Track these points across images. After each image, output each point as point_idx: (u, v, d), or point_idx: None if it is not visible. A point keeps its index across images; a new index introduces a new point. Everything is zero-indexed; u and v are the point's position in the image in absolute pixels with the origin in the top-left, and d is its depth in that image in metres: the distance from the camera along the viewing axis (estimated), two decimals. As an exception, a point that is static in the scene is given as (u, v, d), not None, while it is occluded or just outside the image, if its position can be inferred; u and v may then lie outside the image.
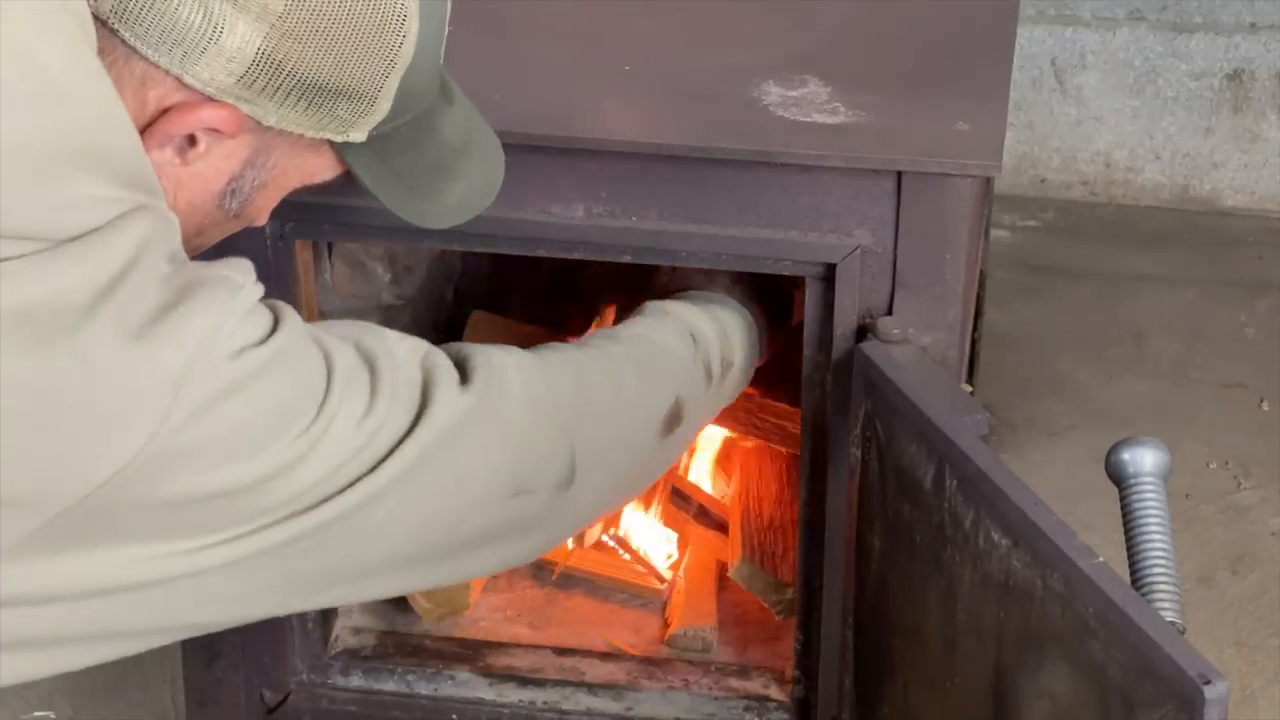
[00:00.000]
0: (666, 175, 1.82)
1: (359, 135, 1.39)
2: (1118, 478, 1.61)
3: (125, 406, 1.21)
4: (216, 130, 1.34)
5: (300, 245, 1.96)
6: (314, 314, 2.03)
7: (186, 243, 1.35)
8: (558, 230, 1.86)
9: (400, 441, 1.39)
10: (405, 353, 1.45)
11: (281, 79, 1.33)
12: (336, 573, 1.39)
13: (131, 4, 1.29)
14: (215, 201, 1.40)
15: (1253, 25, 3.41)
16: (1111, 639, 1.45)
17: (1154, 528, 1.58)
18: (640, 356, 1.74)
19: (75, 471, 1.21)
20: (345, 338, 1.40)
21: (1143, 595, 1.53)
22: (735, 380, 1.89)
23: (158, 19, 1.29)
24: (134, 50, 1.30)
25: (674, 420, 1.74)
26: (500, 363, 1.53)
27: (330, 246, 2.12)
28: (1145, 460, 1.60)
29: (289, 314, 1.34)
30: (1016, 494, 1.57)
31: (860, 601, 1.89)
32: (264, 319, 1.31)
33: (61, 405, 1.20)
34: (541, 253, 1.91)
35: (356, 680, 2.13)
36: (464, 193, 1.51)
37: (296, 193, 1.46)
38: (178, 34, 1.30)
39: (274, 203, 1.45)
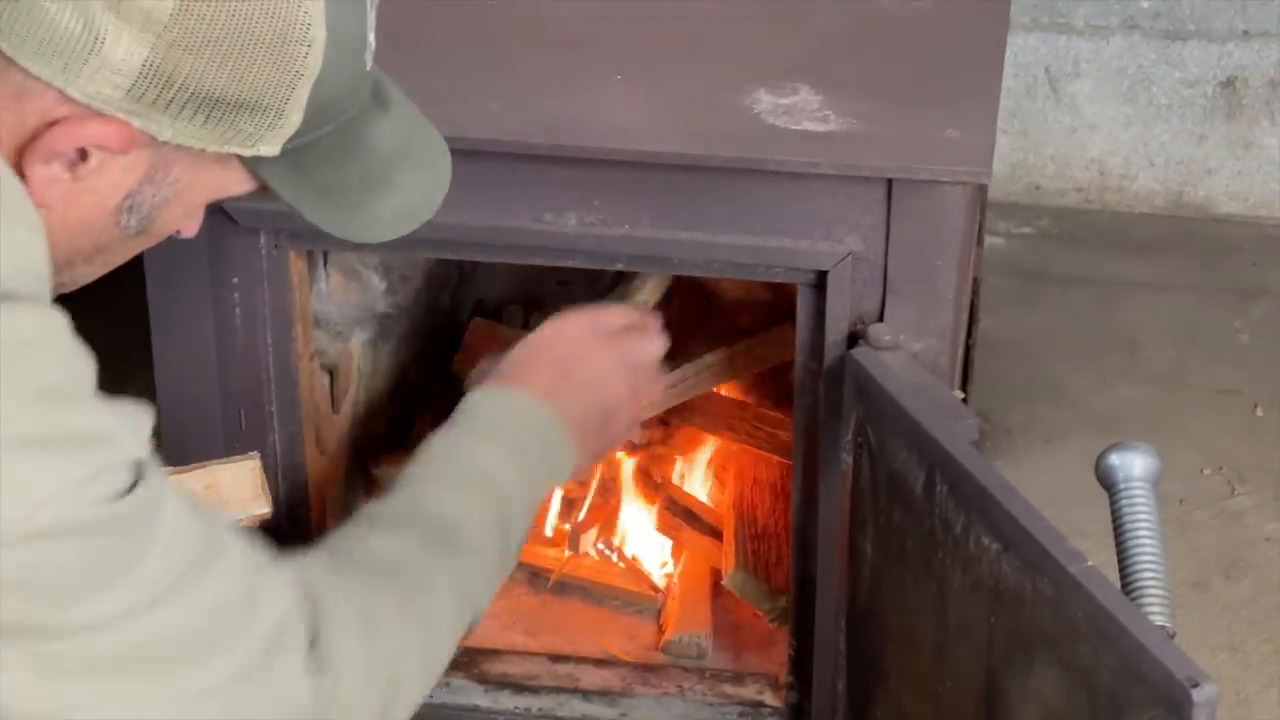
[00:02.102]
0: (659, 183, 1.83)
1: (270, 149, 1.32)
2: (1107, 483, 1.62)
3: None
4: (105, 147, 1.27)
5: (295, 255, 1.96)
6: (308, 324, 2.04)
7: (87, 262, 1.31)
8: (550, 239, 1.87)
9: (212, 675, 1.27)
10: (270, 590, 1.32)
11: (173, 92, 1.26)
12: None
13: (6, 12, 1.23)
14: (111, 219, 1.33)
15: (1245, 32, 3.42)
16: (1100, 642, 1.46)
17: (1144, 532, 1.59)
18: (459, 584, 1.56)
19: None
20: (214, 539, 1.29)
21: (1132, 599, 1.53)
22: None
23: (34, 27, 1.23)
24: (11, 61, 1.24)
25: (472, 627, 1.63)
26: (348, 658, 1.37)
27: (325, 256, 2.13)
28: (1135, 465, 1.60)
29: (155, 479, 1.25)
30: (1006, 499, 1.58)
31: (853, 606, 1.90)
32: (125, 477, 1.22)
33: None
34: (535, 261, 1.92)
35: (352, 687, 2.14)
36: (400, 205, 1.43)
37: (210, 206, 1.39)
38: (56, 44, 1.23)
39: (187, 217, 1.39)
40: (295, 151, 1.33)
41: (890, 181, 1.78)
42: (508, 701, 2.12)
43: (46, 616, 1.19)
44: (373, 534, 1.56)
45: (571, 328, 1.75)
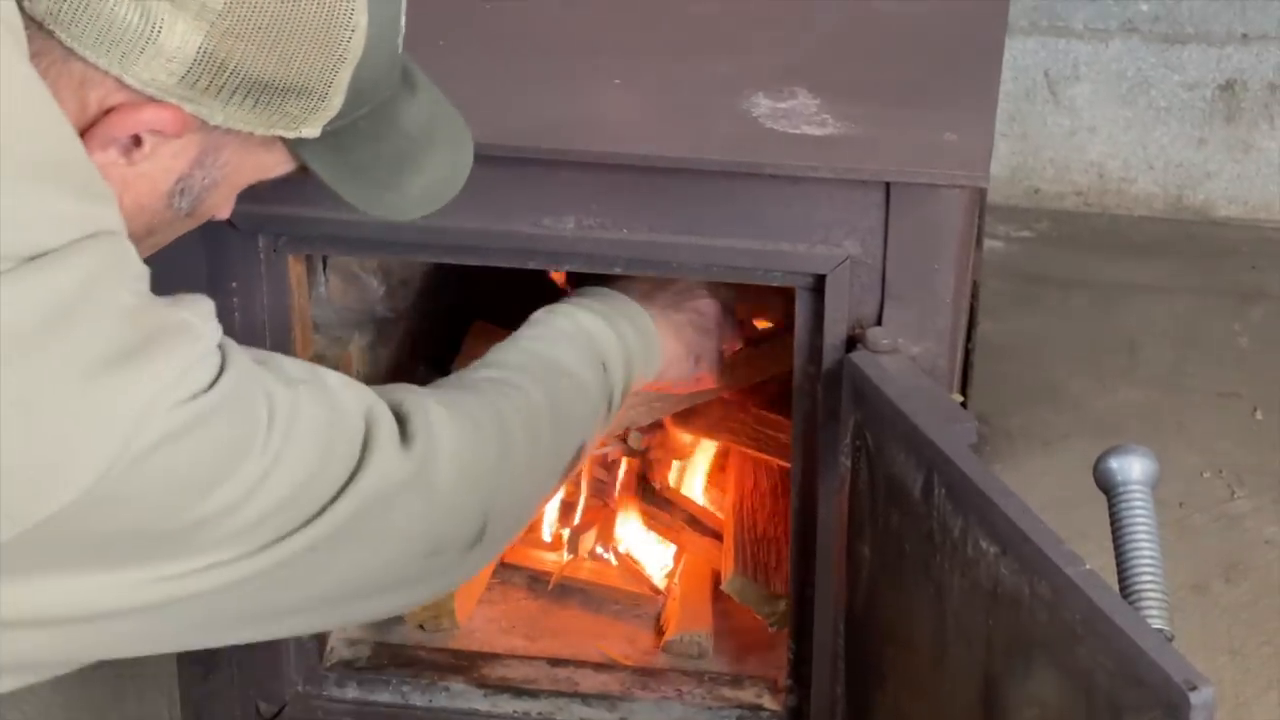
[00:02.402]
0: (656, 187, 1.83)
1: (312, 131, 1.37)
2: (1106, 486, 1.62)
3: (72, 446, 1.20)
4: (160, 131, 1.33)
5: (294, 258, 1.96)
6: (307, 327, 2.04)
7: (138, 243, 1.34)
8: (548, 242, 1.87)
9: (334, 499, 1.38)
10: (348, 401, 1.43)
11: (225, 77, 1.31)
12: (246, 617, 1.39)
13: (66, 5, 1.27)
14: (164, 201, 1.38)
15: (1245, 36, 3.42)
16: (1098, 645, 1.46)
17: (1142, 535, 1.59)
18: (557, 405, 1.72)
19: (17, 507, 1.19)
20: (291, 381, 1.38)
21: (1131, 602, 1.53)
22: (621, 406, 1.88)
23: (94, 19, 1.27)
24: (71, 52, 1.29)
25: (575, 464, 1.75)
26: (437, 424, 1.51)
27: (324, 259, 2.13)
28: (1133, 468, 1.60)
29: (236, 356, 1.32)
30: (1004, 502, 1.58)
31: (851, 610, 1.90)
32: (213, 364, 1.30)
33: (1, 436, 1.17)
34: (533, 265, 1.92)
35: (351, 692, 2.14)
36: (428, 184, 1.49)
37: (254, 187, 1.45)
38: (115, 34, 1.28)
39: (228, 199, 1.44)
40: (334, 133, 1.38)
41: (888, 185, 1.78)
42: (507, 706, 2.12)
43: (183, 513, 1.27)
44: (481, 368, 1.73)
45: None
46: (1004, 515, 1.57)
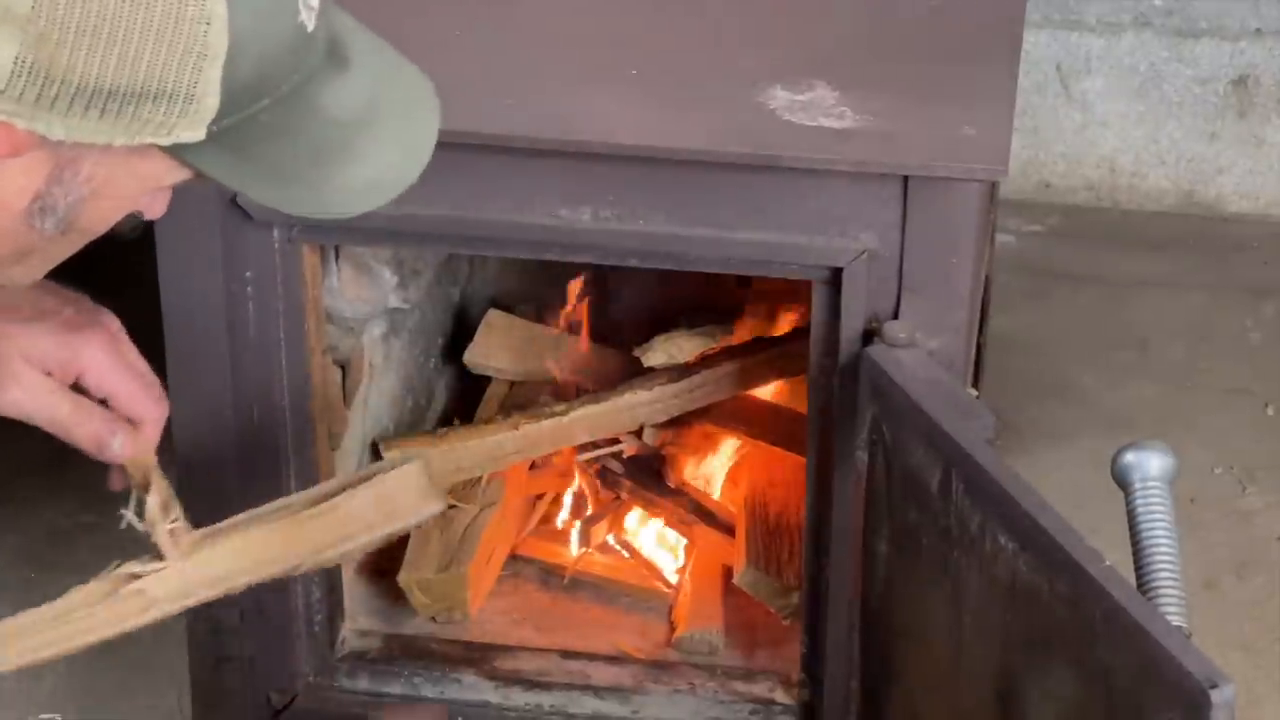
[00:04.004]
0: (674, 179, 1.82)
1: (191, 135, 1.21)
2: (1123, 481, 1.61)
3: None
4: None
5: (308, 249, 1.96)
6: (320, 318, 2.03)
7: (15, 263, 1.27)
8: (565, 234, 1.86)
9: None
10: None
11: (55, 88, 1.17)
12: None
13: None
14: (22, 222, 1.25)
15: (1258, 31, 3.41)
16: (1118, 642, 1.46)
17: (1160, 532, 1.58)
18: None
19: None
20: None
21: (1149, 599, 1.53)
22: None
23: None
24: None
25: None
26: None
27: (337, 250, 2.12)
28: (1151, 464, 1.60)
29: None
30: (1023, 497, 1.57)
31: (866, 605, 1.90)
32: None
33: None
34: (549, 256, 1.92)
35: (363, 683, 2.14)
36: (372, 174, 1.31)
37: (155, 193, 1.29)
38: None
39: (121, 211, 1.30)
40: (227, 133, 1.23)
41: (906, 179, 1.78)
42: (519, 698, 2.11)
43: None
44: None
45: None
46: (1023, 511, 1.56)
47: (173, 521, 1.55)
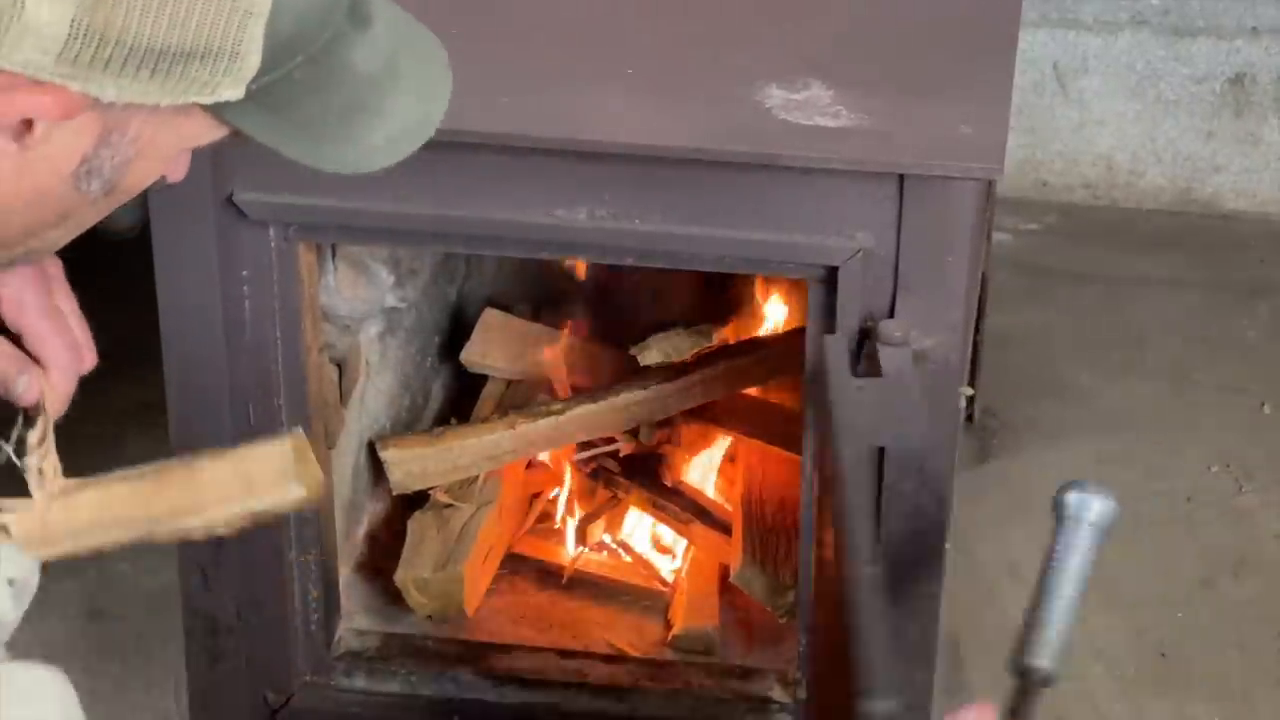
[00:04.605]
0: (669, 178, 1.82)
1: (233, 93, 1.24)
2: (1058, 515, 1.57)
3: None
4: (43, 115, 1.22)
5: (304, 248, 1.96)
6: (317, 317, 2.03)
7: (48, 231, 1.29)
8: (561, 233, 1.86)
9: None
10: None
11: (109, 49, 1.19)
12: None
13: None
14: (69, 185, 1.28)
15: (1254, 29, 3.41)
16: None
17: (1068, 578, 1.55)
18: None
19: None
20: None
21: (1027, 630, 1.51)
22: None
23: None
24: None
25: None
26: None
27: (334, 249, 2.12)
28: (1090, 509, 1.56)
29: None
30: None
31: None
32: None
33: None
34: (544, 255, 1.92)
35: (360, 682, 2.14)
36: (393, 129, 1.34)
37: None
38: None
39: (158, 172, 1.33)
40: (264, 91, 1.26)
41: (902, 177, 1.78)
42: (515, 696, 2.11)
43: None
44: None
45: None
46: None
47: (44, 461, 1.53)
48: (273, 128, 1.29)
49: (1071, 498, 1.54)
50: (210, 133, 1.29)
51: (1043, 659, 1.48)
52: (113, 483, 1.57)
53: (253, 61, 1.23)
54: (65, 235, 1.31)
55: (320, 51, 1.28)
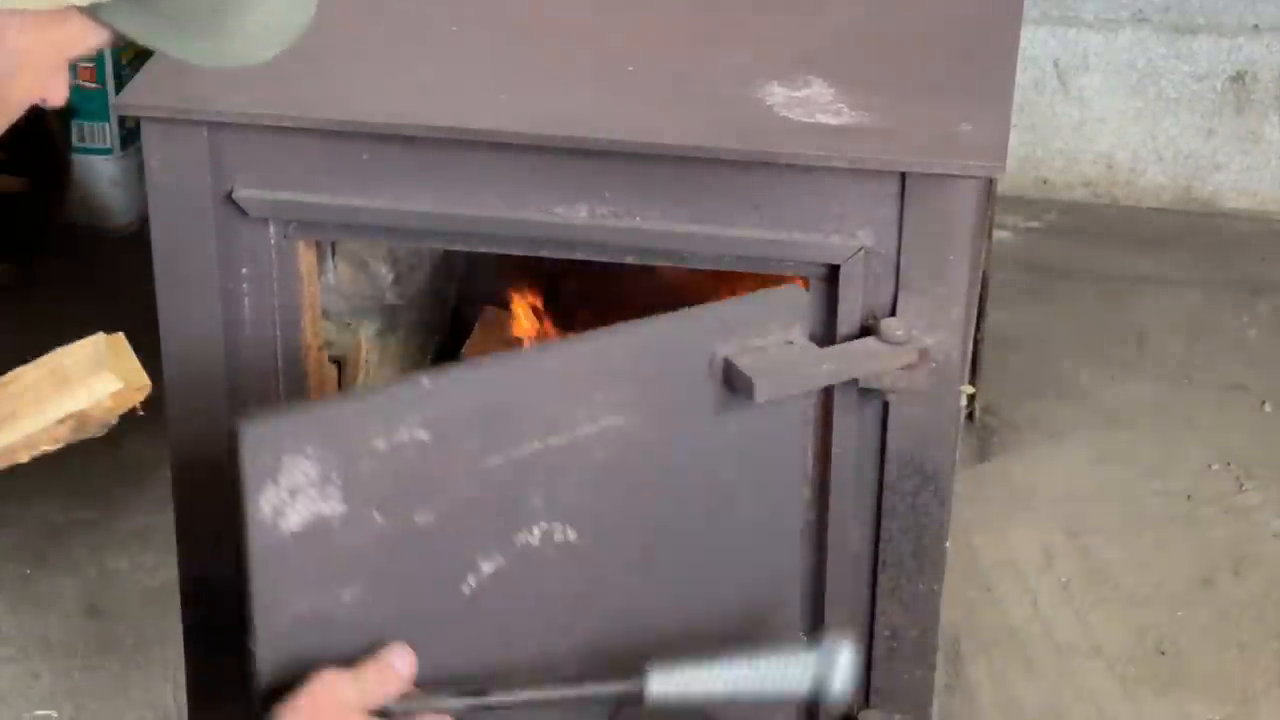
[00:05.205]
0: (670, 176, 1.82)
1: None
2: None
3: None
4: None
5: (304, 245, 1.95)
6: (317, 314, 2.03)
7: None
8: (561, 231, 1.86)
9: None
10: None
11: None
12: None
13: None
14: None
15: (1256, 27, 3.41)
16: None
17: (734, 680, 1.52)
18: None
19: None
20: None
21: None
22: None
23: None
24: None
25: None
26: None
27: (333, 246, 2.12)
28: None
29: None
30: None
31: (863, 602, 1.89)
32: None
33: None
34: (544, 253, 1.91)
35: (359, 680, 2.13)
36: (267, 17, 1.30)
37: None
38: None
39: (42, 84, 1.31)
40: None
41: (903, 175, 1.78)
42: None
43: None
44: None
45: (336, 697, 1.54)
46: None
47: None
48: (147, 25, 1.27)
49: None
50: (90, 38, 1.28)
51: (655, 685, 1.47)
52: None
53: None
54: None
55: None
